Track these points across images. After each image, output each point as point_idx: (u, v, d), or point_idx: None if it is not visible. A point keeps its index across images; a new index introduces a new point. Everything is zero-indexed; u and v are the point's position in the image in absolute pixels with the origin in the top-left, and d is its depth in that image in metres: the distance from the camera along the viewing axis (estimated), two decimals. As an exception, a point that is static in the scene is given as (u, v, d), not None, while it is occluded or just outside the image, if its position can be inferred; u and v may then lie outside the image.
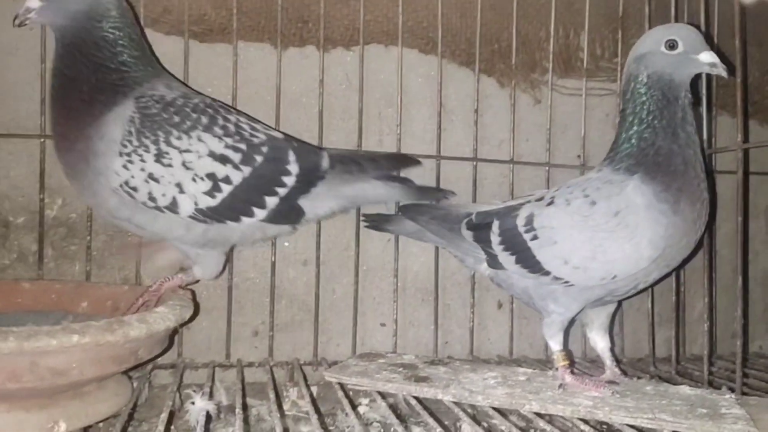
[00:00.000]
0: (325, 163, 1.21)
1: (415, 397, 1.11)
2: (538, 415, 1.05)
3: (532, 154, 1.55)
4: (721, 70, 1.10)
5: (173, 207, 1.09)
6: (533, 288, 1.16)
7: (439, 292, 1.47)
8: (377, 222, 1.37)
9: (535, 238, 1.12)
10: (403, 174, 1.40)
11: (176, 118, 1.10)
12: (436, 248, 1.45)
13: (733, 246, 1.62)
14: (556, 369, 1.15)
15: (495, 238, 1.16)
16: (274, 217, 1.17)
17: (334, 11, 1.43)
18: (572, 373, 1.15)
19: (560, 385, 1.11)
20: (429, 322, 1.47)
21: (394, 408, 1.14)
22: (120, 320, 0.88)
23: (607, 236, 1.06)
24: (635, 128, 1.11)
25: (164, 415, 0.95)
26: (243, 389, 1.14)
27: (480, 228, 1.19)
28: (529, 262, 1.13)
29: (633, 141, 1.11)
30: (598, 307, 1.20)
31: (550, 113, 1.53)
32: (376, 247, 1.46)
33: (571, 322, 1.20)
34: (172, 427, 1.08)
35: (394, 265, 1.44)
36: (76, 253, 1.32)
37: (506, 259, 1.16)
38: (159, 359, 1.27)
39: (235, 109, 1.27)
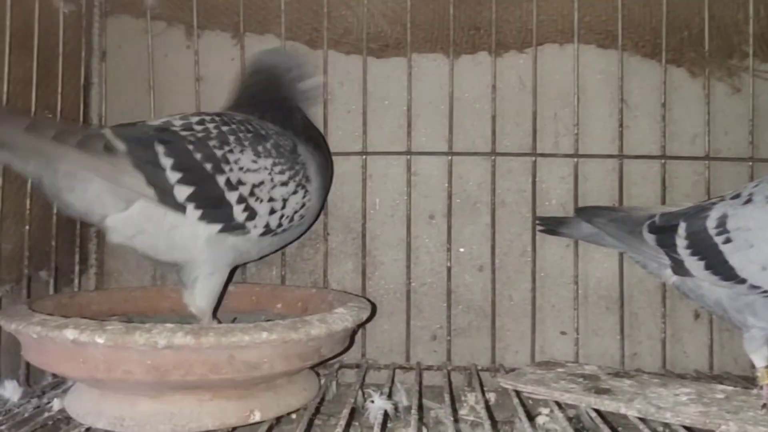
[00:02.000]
0: None
1: (597, 411, 1.06)
2: (738, 437, 0.95)
3: (732, 148, 1.40)
4: None
5: None
6: (727, 299, 1.04)
7: (624, 300, 1.38)
8: (551, 225, 1.33)
9: (728, 241, 1.01)
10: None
11: None
12: (621, 253, 1.37)
13: None
14: (760, 387, 1.03)
15: (681, 242, 1.07)
16: None
17: (506, 15, 1.42)
18: (781, 392, 1.02)
19: (764, 405, 0.99)
20: (614, 332, 1.39)
21: (575, 421, 1.10)
22: (303, 320, 0.96)
23: (817, 239, 0.93)
24: None
25: (346, 411, 1.02)
26: (420, 391, 1.17)
27: (664, 230, 1.10)
28: (720, 268, 1.02)
29: None
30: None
31: (752, 102, 1.38)
32: (554, 252, 1.42)
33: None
34: (355, 422, 1.14)
35: (573, 271, 1.39)
36: (273, 259, 1.45)
37: (693, 264, 1.06)
38: (345, 359, 1.37)
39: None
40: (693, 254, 1.06)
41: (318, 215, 1.31)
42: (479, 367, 1.36)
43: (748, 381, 1.28)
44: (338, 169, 1.44)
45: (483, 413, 1.07)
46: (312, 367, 1.19)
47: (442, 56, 1.44)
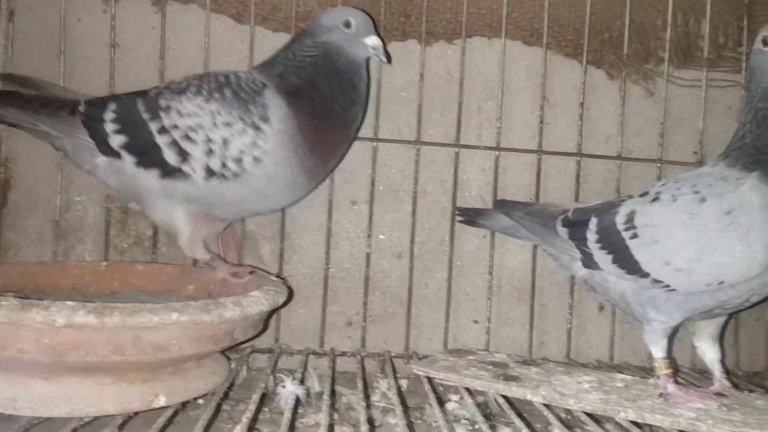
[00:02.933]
0: None
1: (505, 398, 1.08)
2: (635, 424, 0.99)
3: (644, 149, 1.47)
4: None
5: None
6: (631, 293, 1.09)
7: (535, 291, 1.43)
8: (471, 216, 1.35)
9: (634, 236, 1.06)
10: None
11: None
12: (534, 246, 1.41)
13: None
14: (658, 377, 1.08)
15: (591, 236, 1.11)
16: None
17: (437, 4, 1.42)
18: (675, 382, 1.07)
19: (661, 394, 1.05)
20: (524, 322, 1.43)
21: (483, 407, 1.12)
22: (216, 302, 0.93)
23: (716, 236, 0.98)
24: (748, 126, 1.04)
25: (256, 396, 0.99)
26: (333, 377, 1.17)
27: (576, 225, 1.14)
28: (626, 262, 1.06)
29: (747, 140, 1.04)
30: (707, 318, 1.12)
31: (664, 106, 1.44)
32: (471, 242, 1.44)
33: (676, 328, 1.13)
34: (265, 408, 1.12)
35: (489, 262, 1.42)
36: (187, 239, 1.40)
37: (602, 258, 1.10)
38: (257, 344, 1.34)
39: None
40: (602, 248, 1.10)
41: (312, 173, 1.21)
42: (393, 354, 1.37)
43: (645, 371, 1.35)
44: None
45: (395, 399, 1.08)
46: (222, 351, 1.16)
47: (372, 41, 1.42)
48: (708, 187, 1.02)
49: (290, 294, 1.23)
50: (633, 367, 1.39)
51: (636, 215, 1.07)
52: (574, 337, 1.44)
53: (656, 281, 1.04)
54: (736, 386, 1.14)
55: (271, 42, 1.39)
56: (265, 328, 1.18)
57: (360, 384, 1.12)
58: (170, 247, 1.39)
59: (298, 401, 1.05)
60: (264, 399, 1.08)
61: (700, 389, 1.09)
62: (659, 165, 1.44)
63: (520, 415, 1.00)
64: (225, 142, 1.12)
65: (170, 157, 1.13)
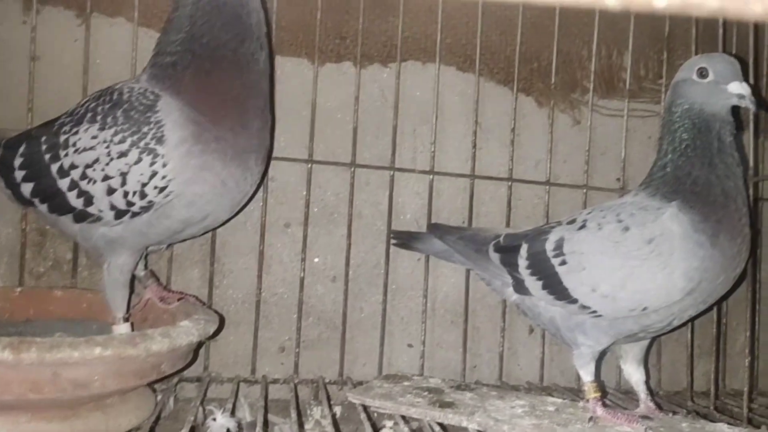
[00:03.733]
0: None
1: (440, 424, 1.08)
2: (566, 448, 1.01)
3: (570, 176, 1.51)
4: (749, 103, 1.05)
5: None
6: (561, 318, 1.12)
7: (468, 314, 1.44)
8: (405, 240, 1.35)
9: (563, 263, 1.09)
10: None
11: None
12: (467, 270, 1.42)
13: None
14: (587, 401, 1.11)
15: (522, 262, 1.13)
16: None
17: (372, 27, 1.43)
18: (604, 405, 1.10)
19: (591, 418, 1.07)
20: (458, 345, 1.44)
21: (418, 432, 1.12)
22: (143, 334, 0.89)
23: (639, 264, 1.02)
24: (670, 156, 1.08)
25: (185, 431, 0.95)
26: (266, 406, 1.13)
27: (507, 250, 1.16)
28: (556, 288, 1.09)
29: (668, 169, 1.08)
30: (633, 342, 1.16)
31: (589, 134, 1.49)
32: (406, 266, 1.45)
33: (604, 351, 1.16)
34: (194, 441, 1.08)
35: (423, 285, 1.42)
36: (110, 262, 1.34)
37: (533, 284, 1.12)
38: (185, 372, 1.29)
39: None
40: (533, 274, 1.12)
41: (239, 150, 1.04)
42: (327, 380, 1.35)
43: (573, 393, 1.39)
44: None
45: (329, 427, 1.06)
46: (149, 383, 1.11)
47: (306, 62, 1.41)
48: (631, 216, 1.06)
49: (221, 322, 1.19)
50: (562, 389, 1.42)
51: (565, 242, 1.10)
52: (505, 360, 1.46)
53: (584, 307, 1.07)
54: (660, 407, 1.18)
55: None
56: (194, 359, 1.13)
57: (293, 412, 1.09)
58: (92, 271, 1.33)
59: (229, 434, 1.01)
60: (193, 432, 1.04)
61: (627, 412, 1.13)
62: (585, 191, 1.49)
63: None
64: (122, 175, 0.99)
65: (74, 201, 1.02)
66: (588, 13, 1.49)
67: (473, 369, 1.46)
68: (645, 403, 1.17)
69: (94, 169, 1.00)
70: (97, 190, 1.00)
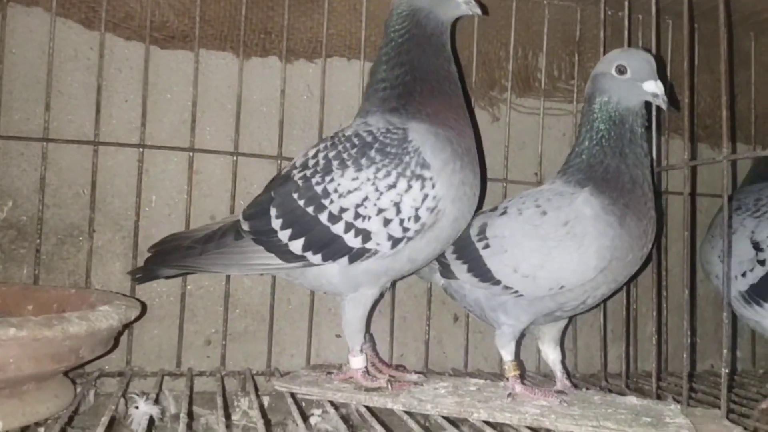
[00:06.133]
0: None
1: (368, 408, 1.10)
2: (488, 423, 1.05)
3: (491, 170, 1.57)
4: (661, 102, 1.13)
5: None
6: (484, 299, 1.17)
7: (395, 304, 1.47)
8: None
9: (486, 246, 1.14)
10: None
11: None
12: (393, 260, 1.45)
13: (683, 266, 1.66)
14: (507, 379, 1.16)
15: (449, 248, 1.17)
16: None
17: (297, 23, 1.44)
18: (522, 383, 1.15)
19: (509, 394, 1.12)
20: (385, 334, 1.46)
21: (346, 419, 1.13)
22: (60, 316, 0.86)
23: (556, 245, 1.07)
24: (586, 144, 1.15)
25: (105, 419, 0.93)
26: (191, 398, 1.12)
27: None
28: (480, 270, 1.14)
29: (584, 156, 1.14)
30: (550, 322, 1.22)
31: (508, 131, 1.56)
32: (333, 257, 1.46)
33: (524, 334, 1.22)
34: (115, 434, 1.05)
35: (350, 276, 1.44)
36: (25, 257, 1.29)
37: (458, 268, 1.17)
38: (106, 366, 1.26)
39: None
40: (458, 258, 1.17)
41: (479, 190, 1.15)
42: (254, 372, 1.34)
43: (496, 377, 1.43)
44: (111, 160, 1.34)
45: (257, 417, 1.06)
46: (67, 373, 1.08)
47: (231, 55, 1.42)
48: (548, 201, 1.12)
49: (143, 310, 1.17)
50: (485, 374, 1.47)
51: (487, 227, 1.15)
52: (431, 348, 1.49)
53: (506, 288, 1.12)
54: (575, 386, 1.24)
55: (123, 51, 1.34)
56: (115, 346, 1.11)
57: (220, 402, 1.08)
58: (6, 265, 1.27)
59: (152, 422, 1.00)
60: (114, 423, 1.01)
61: (544, 388, 1.18)
62: (504, 184, 1.55)
63: (382, 423, 1.02)
64: (396, 205, 1.05)
65: (353, 241, 1.07)
66: (505, 15, 1.56)
67: (400, 357, 1.49)
68: (561, 381, 1.22)
69: (365, 207, 1.06)
70: (374, 224, 1.06)
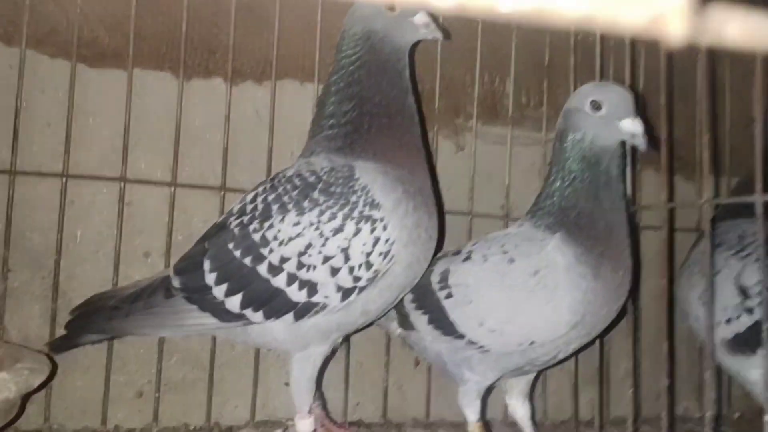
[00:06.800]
0: None
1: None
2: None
3: (454, 202, 1.46)
4: (641, 143, 1.03)
5: None
6: (447, 353, 1.06)
7: (350, 348, 1.35)
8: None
9: (449, 296, 1.03)
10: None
11: None
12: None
13: (657, 303, 1.56)
14: (472, 442, 1.05)
15: (407, 296, 1.06)
16: None
17: (245, 42, 1.32)
18: (488, 446, 1.04)
19: (476, 462, 1.01)
20: (339, 382, 1.34)
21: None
22: (-61, 393, 0.72)
23: (526, 297, 0.97)
24: (557, 184, 1.05)
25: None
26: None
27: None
28: (442, 322, 1.03)
29: (555, 199, 1.05)
30: (519, 375, 1.11)
31: (474, 160, 1.46)
32: (282, 298, 1.33)
33: (490, 387, 1.11)
34: None
35: (301, 320, 1.31)
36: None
37: (418, 318, 1.05)
38: (21, 425, 1.11)
39: None
40: (418, 308, 1.06)
41: (436, 233, 1.05)
42: (192, 427, 1.21)
43: (460, 428, 1.32)
44: (30, 191, 1.20)
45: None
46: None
47: (170, 76, 1.28)
48: (515, 247, 1.02)
49: (54, 370, 1.03)
50: (448, 424, 1.36)
51: (450, 274, 1.04)
52: (390, 395, 1.37)
53: (471, 342, 1.01)
54: (545, 443, 1.14)
55: (47, 68, 1.21)
56: (20, 414, 0.96)
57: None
58: None
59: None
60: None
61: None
62: (470, 218, 1.45)
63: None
64: (343, 251, 0.94)
65: (297, 295, 0.95)
66: (470, 38, 1.46)
67: (356, 406, 1.37)
68: (530, 439, 1.12)
69: (309, 255, 0.94)
70: (320, 274, 0.94)
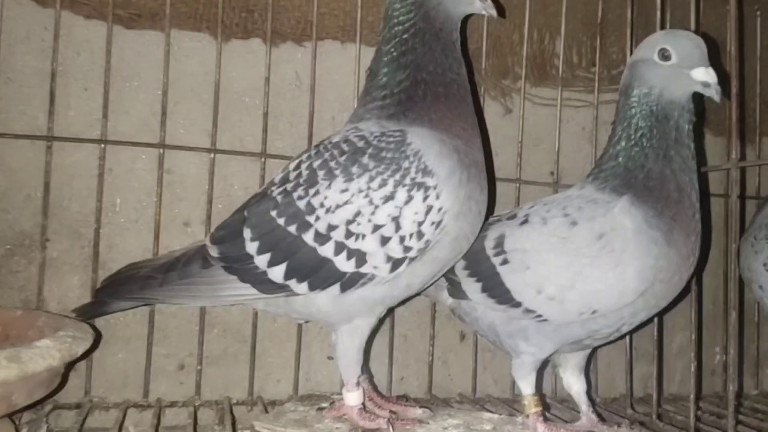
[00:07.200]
0: None
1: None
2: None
3: (502, 169, 1.39)
4: (714, 93, 0.95)
5: None
6: (501, 323, 0.99)
7: (395, 321, 1.30)
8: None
9: (505, 262, 0.97)
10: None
11: None
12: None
13: (714, 274, 1.50)
14: (527, 416, 0.99)
15: (459, 263, 1.00)
16: None
17: (284, 1, 1.26)
18: (545, 420, 0.99)
19: (529, 434, 0.95)
20: (383, 355, 1.29)
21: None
22: (-18, 360, 0.69)
23: (589, 262, 0.91)
24: (623, 144, 0.98)
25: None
26: (157, 432, 0.96)
27: None
28: (497, 290, 0.97)
29: (620, 159, 0.97)
30: (577, 350, 1.05)
31: (522, 124, 1.39)
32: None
33: (546, 361, 1.05)
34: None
35: (344, 290, 1.27)
36: (-34, 270, 1.12)
37: (470, 286, 0.99)
38: (60, 398, 1.09)
39: None
40: (471, 275, 1.00)
41: (485, 209, 0.99)
42: (234, 401, 1.18)
43: (508, 404, 1.27)
44: (68, 158, 1.16)
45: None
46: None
47: (208, 37, 1.23)
48: (578, 210, 0.95)
49: (97, 339, 1.00)
50: (496, 400, 1.31)
51: (505, 239, 0.98)
52: (435, 370, 1.32)
53: (528, 311, 0.95)
54: (602, 419, 1.08)
55: (83, 30, 1.17)
56: (63, 384, 0.93)
57: (191, 441, 0.92)
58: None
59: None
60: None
61: (569, 426, 1.02)
62: (518, 185, 1.38)
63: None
64: (394, 219, 0.89)
65: (345, 265, 0.90)
66: (519, -7, 1.38)
67: (401, 381, 1.32)
68: (587, 415, 1.07)
69: (358, 223, 0.89)
70: (369, 244, 0.89)
